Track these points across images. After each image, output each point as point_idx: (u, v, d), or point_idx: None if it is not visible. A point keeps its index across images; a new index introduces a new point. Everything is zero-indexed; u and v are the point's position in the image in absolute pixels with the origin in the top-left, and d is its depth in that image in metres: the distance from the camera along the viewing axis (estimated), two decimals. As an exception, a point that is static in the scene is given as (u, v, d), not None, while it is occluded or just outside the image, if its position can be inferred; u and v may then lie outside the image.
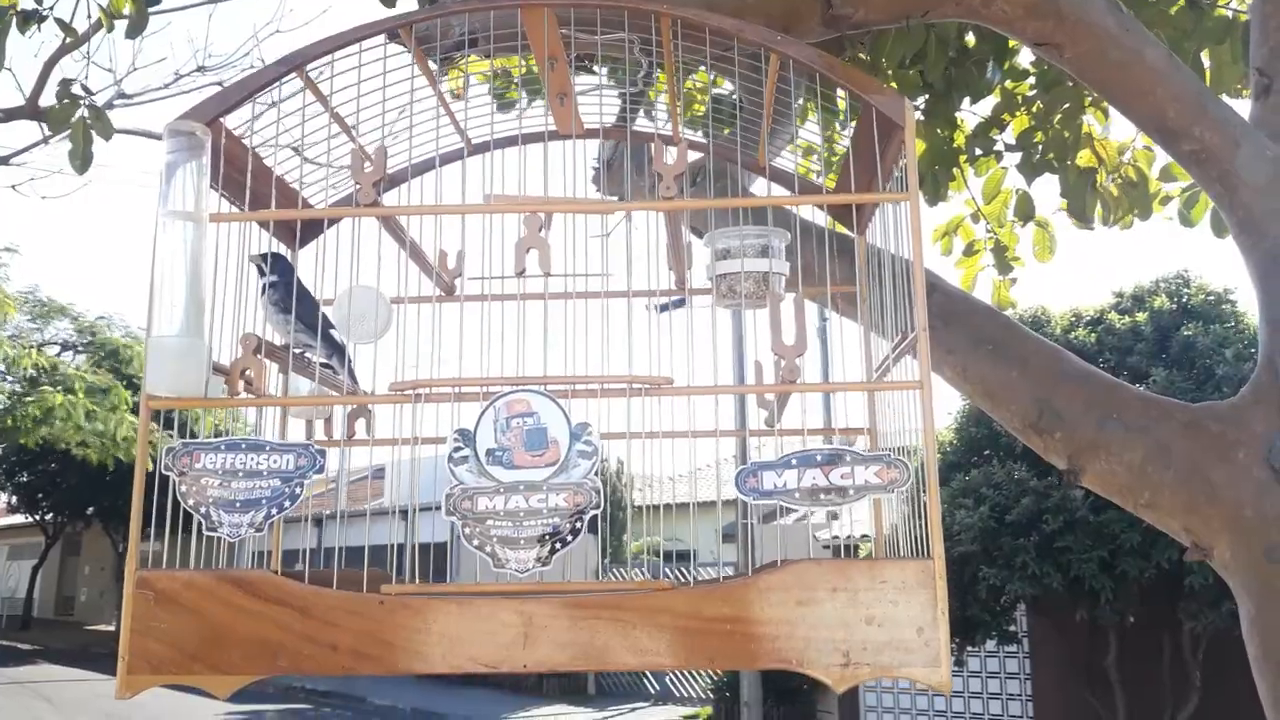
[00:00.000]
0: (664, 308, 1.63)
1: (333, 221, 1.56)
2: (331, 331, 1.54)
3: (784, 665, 1.16)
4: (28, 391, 12.54)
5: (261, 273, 1.50)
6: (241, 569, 1.28)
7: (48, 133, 4.58)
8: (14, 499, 22.35)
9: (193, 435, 1.33)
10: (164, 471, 1.27)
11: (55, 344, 14.78)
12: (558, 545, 1.20)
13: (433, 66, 1.50)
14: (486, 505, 1.20)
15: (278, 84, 1.36)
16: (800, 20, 1.71)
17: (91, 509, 20.58)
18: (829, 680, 1.16)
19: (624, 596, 1.18)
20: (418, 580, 1.27)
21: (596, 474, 1.21)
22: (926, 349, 1.19)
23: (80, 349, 15.46)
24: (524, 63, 1.61)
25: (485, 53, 1.51)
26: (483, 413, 1.23)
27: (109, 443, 12.86)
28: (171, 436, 1.31)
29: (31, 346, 13.29)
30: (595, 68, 1.68)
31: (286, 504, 1.25)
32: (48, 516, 22.44)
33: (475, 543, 1.20)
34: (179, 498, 1.26)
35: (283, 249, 1.60)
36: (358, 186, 1.31)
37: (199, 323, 1.28)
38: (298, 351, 1.53)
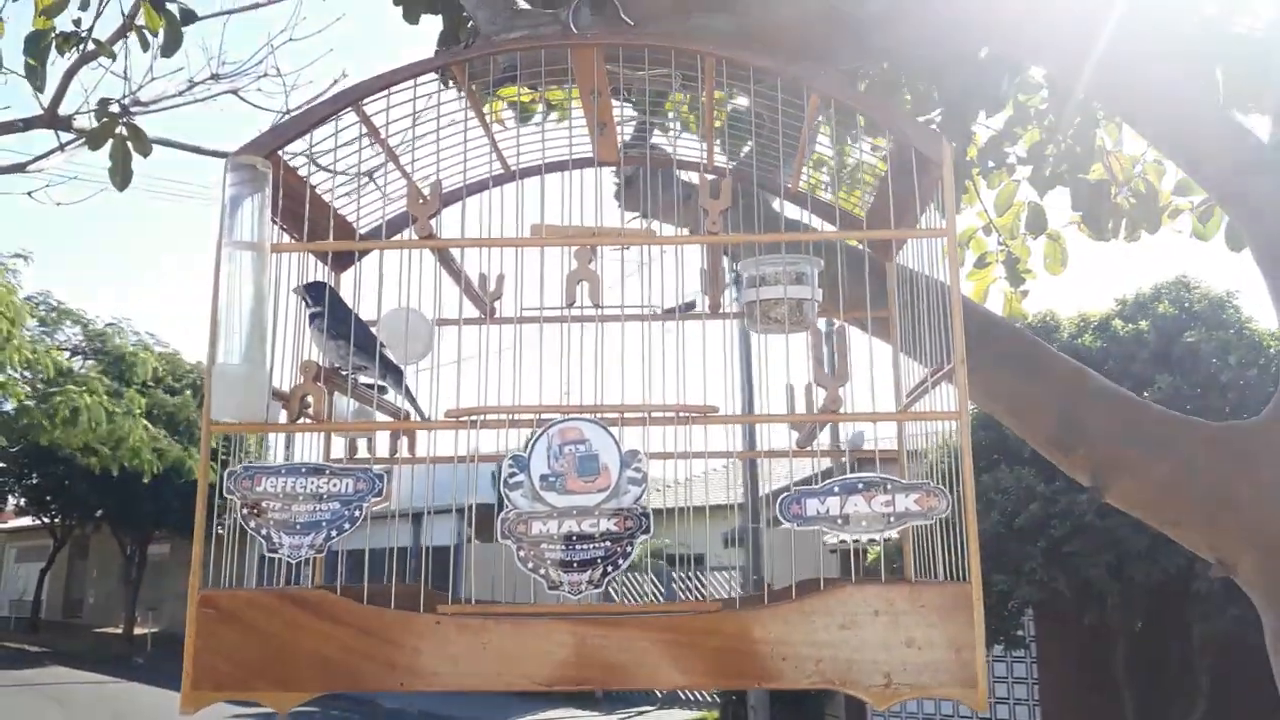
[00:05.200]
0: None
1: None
2: (385, 352, 1.59)
3: (828, 685, 1.21)
4: (48, 391, 12.47)
5: (306, 304, 1.54)
6: (302, 588, 1.33)
7: (63, 140, 4.64)
8: (22, 501, 22.40)
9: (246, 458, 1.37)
10: (225, 494, 1.31)
11: (65, 349, 14.77)
12: (609, 568, 1.24)
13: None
14: (541, 529, 1.25)
15: (334, 117, 1.41)
16: (834, 47, 1.76)
17: (100, 512, 20.61)
18: (870, 700, 1.21)
19: (674, 619, 1.23)
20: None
21: (645, 500, 1.26)
22: (965, 382, 1.23)
23: (88, 355, 15.47)
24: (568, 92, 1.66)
25: (531, 85, 1.56)
26: (536, 439, 1.27)
27: (124, 450, 12.85)
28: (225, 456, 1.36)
29: (52, 347, 13.27)
30: (629, 97, 1.73)
31: (346, 526, 1.29)
32: (56, 519, 22.50)
33: (530, 565, 1.25)
34: (240, 520, 1.30)
35: (330, 276, 1.65)
36: (413, 219, 1.35)
37: (261, 351, 1.33)
38: (348, 373, 1.57)
